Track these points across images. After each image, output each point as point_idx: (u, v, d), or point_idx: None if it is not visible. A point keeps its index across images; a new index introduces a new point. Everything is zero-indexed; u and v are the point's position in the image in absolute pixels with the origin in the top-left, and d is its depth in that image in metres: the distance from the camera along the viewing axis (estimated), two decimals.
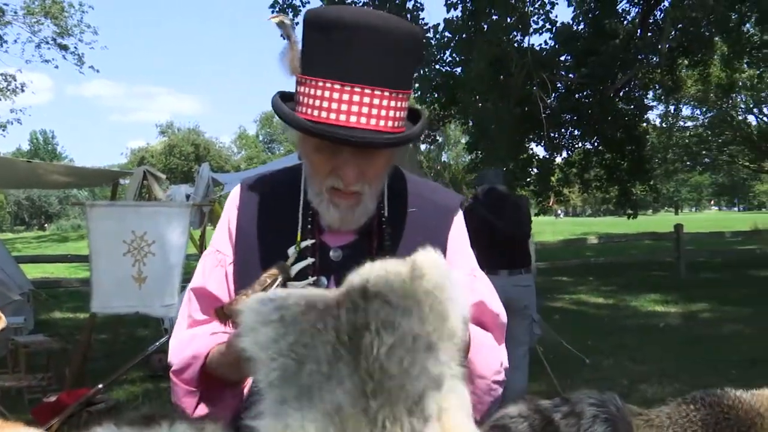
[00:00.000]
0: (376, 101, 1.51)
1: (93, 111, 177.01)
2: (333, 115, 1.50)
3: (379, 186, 1.66)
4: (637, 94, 20.26)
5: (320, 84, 1.50)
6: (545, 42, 18.43)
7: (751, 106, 34.98)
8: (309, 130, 1.51)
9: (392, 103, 1.53)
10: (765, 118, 35.87)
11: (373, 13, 1.54)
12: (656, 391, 6.63)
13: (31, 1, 25.74)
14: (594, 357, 8.13)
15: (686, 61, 20.13)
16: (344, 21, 1.49)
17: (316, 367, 1.10)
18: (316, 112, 1.51)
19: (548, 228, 38.97)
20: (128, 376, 7.50)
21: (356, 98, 1.49)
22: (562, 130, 19.59)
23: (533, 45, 17.34)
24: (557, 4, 17.88)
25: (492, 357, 1.64)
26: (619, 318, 11.35)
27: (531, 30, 16.81)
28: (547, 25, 17.45)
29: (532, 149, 19.63)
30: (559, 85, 18.50)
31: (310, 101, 1.52)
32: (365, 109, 1.50)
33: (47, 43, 26.10)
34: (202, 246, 7.25)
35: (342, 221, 1.63)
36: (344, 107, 1.50)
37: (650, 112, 23.48)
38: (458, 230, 1.78)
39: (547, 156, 19.18)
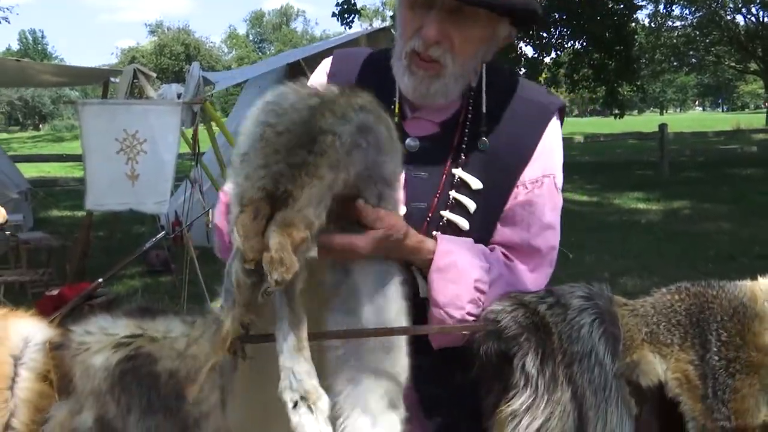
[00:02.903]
0: None
1: (81, 10, 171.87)
2: None
3: (466, 63, 1.44)
4: None
5: None
6: None
7: (740, 5, 34.48)
8: None
9: None
10: (753, 18, 35.46)
11: None
12: (636, 284, 6.90)
13: None
14: (577, 252, 8.34)
15: None
16: None
17: None
18: None
19: None
20: (127, 271, 7.73)
21: None
22: (552, 29, 19.34)
23: None
24: None
25: (454, 289, 1.35)
26: (602, 215, 11.59)
27: None
28: None
29: (521, 48, 19.42)
30: None
31: None
32: None
33: None
34: (195, 145, 7.25)
35: (416, 91, 1.44)
36: None
37: (639, 11, 23.17)
38: (551, 134, 1.54)
39: (536, 56, 19.02)
